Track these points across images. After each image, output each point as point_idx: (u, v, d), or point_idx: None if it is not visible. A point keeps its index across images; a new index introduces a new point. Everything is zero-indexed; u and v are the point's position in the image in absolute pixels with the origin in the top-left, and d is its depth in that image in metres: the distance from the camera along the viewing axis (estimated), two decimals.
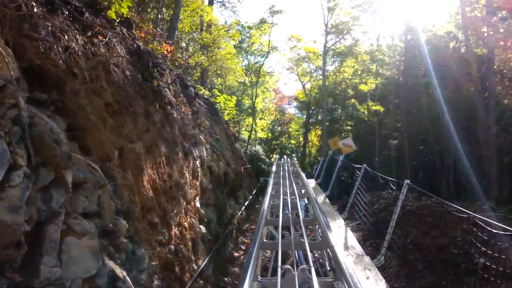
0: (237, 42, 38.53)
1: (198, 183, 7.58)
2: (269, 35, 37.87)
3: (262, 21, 37.42)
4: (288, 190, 8.31)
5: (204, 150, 8.98)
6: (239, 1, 51.59)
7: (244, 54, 40.75)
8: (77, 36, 4.25)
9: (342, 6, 37.54)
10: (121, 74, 5.12)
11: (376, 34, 39.41)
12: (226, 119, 19.56)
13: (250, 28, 38.61)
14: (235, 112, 20.10)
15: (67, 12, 4.30)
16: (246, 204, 14.19)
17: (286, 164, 15.61)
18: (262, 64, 38.81)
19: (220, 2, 38.79)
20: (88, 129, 4.04)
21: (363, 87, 38.80)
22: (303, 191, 9.05)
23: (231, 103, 19.66)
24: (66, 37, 3.99)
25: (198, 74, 19.67)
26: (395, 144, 25.96)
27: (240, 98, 34.68)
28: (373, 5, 35.26)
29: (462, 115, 20.66)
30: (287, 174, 12.43)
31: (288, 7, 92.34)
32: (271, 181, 10.25)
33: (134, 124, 5.11)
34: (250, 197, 15.85)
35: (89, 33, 4.75)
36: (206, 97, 15.29)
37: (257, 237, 4.37)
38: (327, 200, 11.42)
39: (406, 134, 23.79)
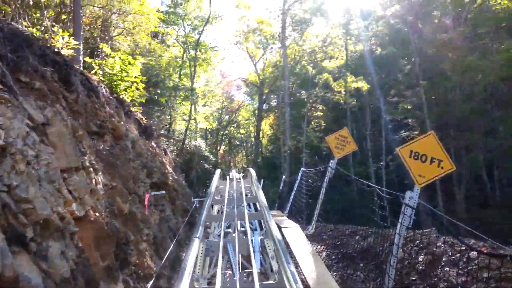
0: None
1: None
2: None
3: None
4: None
5: None
6: None
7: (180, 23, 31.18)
8: None
9: None
10: None
11: None
12: (125, 99, 10.58)
13: None
14: (141, 86, 10.96)
15: None
16: None
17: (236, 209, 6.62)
18: (202, 32, 29.65)
19: None
20: None
21: (327, 66, 30.74)
22: None
23: (135, 69, 10.61)
24: None
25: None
26: (416, 137, 17.69)
27: (167, 76, 25.18)
28: None
29: None
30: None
31: None
32: None
33: None
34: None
35: None
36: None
37: None
38: None
39: (434, 123, 15.81)
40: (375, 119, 27.21)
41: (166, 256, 6.80)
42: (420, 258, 6.22)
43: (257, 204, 5.88)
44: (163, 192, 8.84)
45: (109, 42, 14.73)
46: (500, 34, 15.72)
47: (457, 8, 17.88)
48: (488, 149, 16.23)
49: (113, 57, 10.62)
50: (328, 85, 24.85)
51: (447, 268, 5.30)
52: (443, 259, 5.70)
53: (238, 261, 3.84)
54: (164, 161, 13.21)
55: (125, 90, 10.35)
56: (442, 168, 4.46)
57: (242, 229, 4.46)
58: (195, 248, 3.58)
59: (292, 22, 30.05)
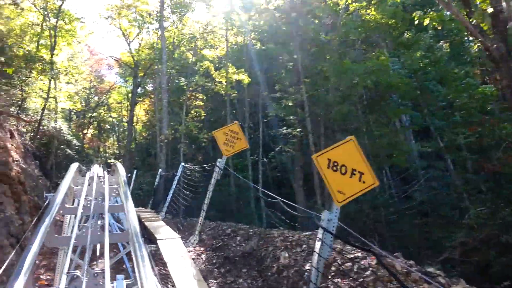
0: None
1: None
2: None
3: None
4: None
5: None
6: None
7: None
8: None
9: None
10: None
11: None
12: None
13: None
14: None
15: None
16: None
17: None
18: None
19: None
20: None
21: (208, 55, 29.85)
22: None
23: None
24: None
25: None
26: (297, 135, 17.60)
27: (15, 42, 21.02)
28: None
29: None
30: None
31: None
32: None
33: None
34: None
35: None
36: None
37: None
38: None
39: (311, 124, 15.99)
40: (255, 112, 27.57)
41: (2, 268, 5.14)
42: (308, 266, 5.87)
43: (126, 218, 4.01)
44: None
45: None
46: (367, 42, 17.20)
47: (332, 13, 18.92)
48: None
49: None
50: (209, 74, 24.12)
51: (337, 280, 5.03)
52: (332, 268, 5.45)
53: None
54: (9, 146, 10.72)
55: None
56: (363, 182, 3.80)
57: (99, 270, 2.63)
58: None
59: (171, 3, 28.50)
